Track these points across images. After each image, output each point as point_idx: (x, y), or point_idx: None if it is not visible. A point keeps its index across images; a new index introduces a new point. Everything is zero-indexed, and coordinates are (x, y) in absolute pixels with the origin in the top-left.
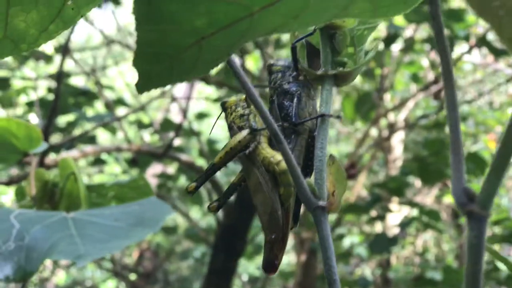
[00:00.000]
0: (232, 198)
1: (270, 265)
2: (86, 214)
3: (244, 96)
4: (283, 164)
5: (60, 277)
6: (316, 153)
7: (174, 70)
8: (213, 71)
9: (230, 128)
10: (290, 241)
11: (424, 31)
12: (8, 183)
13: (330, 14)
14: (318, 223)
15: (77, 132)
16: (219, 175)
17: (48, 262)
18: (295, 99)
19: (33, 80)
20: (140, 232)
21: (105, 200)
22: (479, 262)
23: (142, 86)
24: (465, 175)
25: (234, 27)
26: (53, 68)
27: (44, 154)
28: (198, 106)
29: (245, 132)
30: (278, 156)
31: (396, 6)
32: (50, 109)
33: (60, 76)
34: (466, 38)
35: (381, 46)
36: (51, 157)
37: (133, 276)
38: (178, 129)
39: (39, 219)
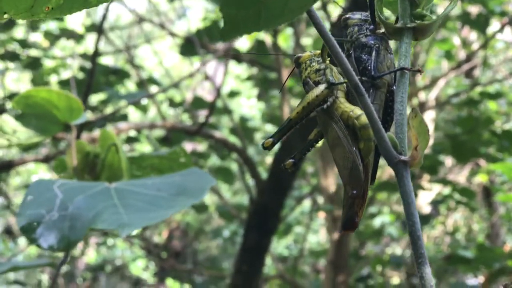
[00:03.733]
0: (265, 175)
1: (350, 222)
2: (129, 184)
3: (318, 51)
4: (364, 118)
5: (91, 256)
6: (396, 107)
7: (262, 16)
8: (245, 49)
9: (305, 83)
10: (322, 220)
11: (457, 8)
12: (45, 160)
13: None
14: (400, 177)
15: (108, 110)
16: (252, 153)
17: None
18: (373, 53)
19: (64, 59)
20: (183, 202)
21: (144, 171)
22: None
23: (227, 32)
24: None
25: None
26: (82, 48)
27: (80, 130)
28: (229, 85)
29: (322, 86)
30: (357, 110)
31: None
32: (85, 86)
33: (96, 54)
34: (502, 14)
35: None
36: (85, 135)
37: (162, 255)
38: (212, 106)
39: (82, 189)
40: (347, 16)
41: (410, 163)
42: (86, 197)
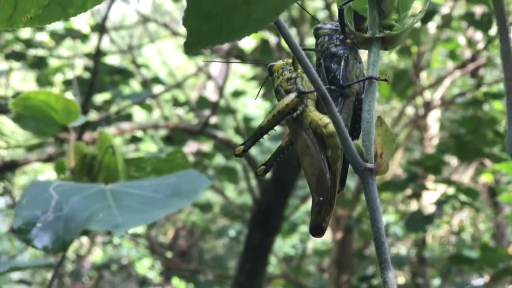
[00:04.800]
0: (269, 175)
1: (318, 228)
2: (124, 186)
3: (290, 60)
4: (331, 127)
5: (97, 255)
6: (363, 115)
7: (224, 29)
8: (249, 49)
9: (277, 92)
10: None
11: (461, 8)
12: (47, 159)
13: None
14: (366, 185)
15: (113, 110)
16: (254, 153)
17: (85, 240)
18: (343, 62)
19: (69, 59)
20: (178, 203)
21: (143, 173)
22: None
23: (191, 45)
24: None
25: None
26: (88, 48)
27: (82, 130)
28: (233, 85)
29: (292, 95)
30: (325, 119)
31: None
32: (87, 86)
33: (98, 54)
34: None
35: (417, 23)
36: (88, 135)
37: (168, 255)
38: (215, 106)
39: (77, 191)
40: (318, 26)
41: (376, 170)
42: (81, 198)
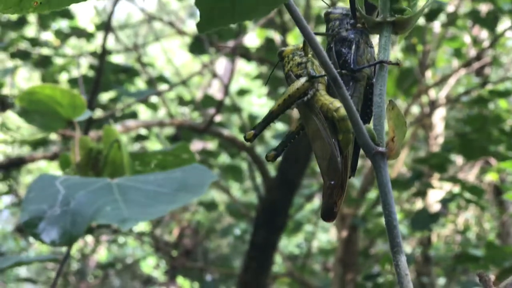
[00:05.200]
0: (274, 173)
1: (329, 212)
2: (130, 180)
3: (301, 45)
4: (342, 110)
5: (102, 254)
6: (374, 99)
7: (236, 10)
8: (254, 47)
9: (287, 77)
10: None
11: (466, 6)
12: (52, 157)
13: None
14: (378, 169)
15: (118, 107)
16: (260, 151)
17: (89, 239)
18: (353, 46)
19: (74, 57)
20: (184, 197)
21: (148, 168)
22: None
23: (203, 25)
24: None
25: None
26: (93, 46)
27: (87, 128)
28: (239, 83)
29: (303, 79)
30: (337, 103)
31: None
32: (92, 84)
33: (103, 52)
34: (511, 12)
35: (423, 21)
36: (94, 133)
37: (173, 253)
38: (220, 104)
39: (84, 185)
40: (329, 10)
41: (387, 154)
42: (87, 193)
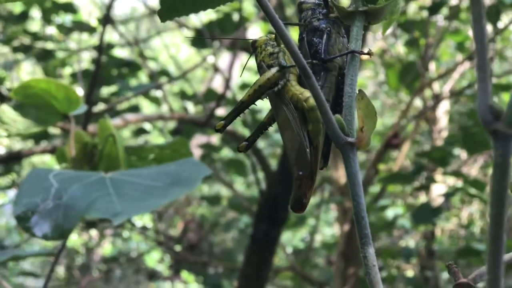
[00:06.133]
0: (275, 166)
1: (298, 203)
2: (124, 174)
3: (273, 35)
4: (312, 101)
5: (106, 248)
6: (345, 89)
7: None
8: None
9: (259, 67)
10: (334, 212)
11: None
12: (52, 151)
13: None
14: (347, 159)
15: (116, 101)
16: (263, 145)
17: (94, 233)
18: (325, 36)
19: (77, 52)
20: (177, 191)
21: (145, 162)
22: (504, 181)
23: (165, 14)
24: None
25: None
26: (96, 41)
27: (87, 121)
28: (242, 77)
29: (274, 70)
30: (306, 93)
31: None
32: (91, 78)
33: (101, 45)
34: None
35: (425, 14)
36: (93, 126)
37: (177, 248)
38: (220, 98)
39: (77, 179)
40: (302, 0)
41: (357, 144)
42: (80, 187)
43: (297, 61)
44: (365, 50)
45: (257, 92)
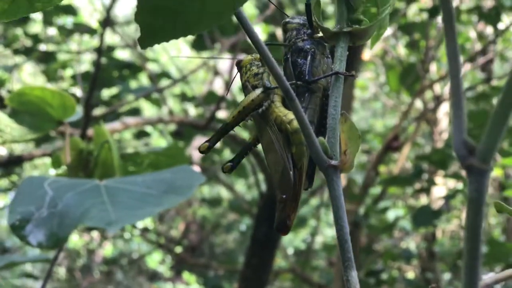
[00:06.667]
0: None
1: (282, 225)
2: (119, 182)
3: (258, 55)
4: (295, 123)
5: (107, 249)
6: (329, 111)
7: (178, 24)
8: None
9: (244, 87)
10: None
11: (470, 1)
12: (51, 154)
13: None
14: (330, 182)
15: (117, 104)
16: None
17: (95, 235)
18: (309, 57)
19: (77, 53)
20: (172, 199)
21: (140, 168)
22: (479, 215)
23: (145, 41)
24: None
25: None
26: (97, 42)
27: (86, 125)
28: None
29: (258, 91)
30: (290, 115)
31: None
32: (91, 80)
33: (101, 47)
34: None
35: (426, 16)
36: (92, 130)
37: (178, 249)
38: (220, 101)
39: (72, 187)
40: (287, 20)
41: (340, 167)
42: (75, 194)
43: (281, 84)
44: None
45: (242, 113)
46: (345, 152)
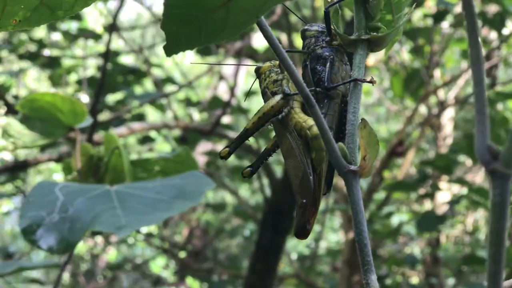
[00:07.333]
0: (280, 175)
1: (302, 230)
2: (129, 187)
3: (278, 62)
4: (315, 129)
5: (111, 254)
6: (348, 117)
7: (203, 33)
8: (262, 49)
9: (263, 94)
10: (339, 218)
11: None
12: (58, 159)
13: None
14: (349, 187)
15: (122, 110)
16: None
17: (99, 240)
18: (328, 64)
19: (82, 58)
20: (181, 205)
21: (150, 174)
22: (503, 221)
23: (170, 49)
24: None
25: None
26: (102, 48)
27: (93, 130)
28: (247, 85)
29: (278, 97)
30: (310, 121)
31: None
32: (97, 86)
33: (107, 53)
34: None
35: (430, 22)
36: (99, 135)
37: (182, 254)
38: (225, 106)
39: (83, 192)
40: (305, 27)
41: (360, 172)
42: (86, 200)
43: (301, 90)
44: (368, 78)
45: (261, 119)
46: (364, 157)
